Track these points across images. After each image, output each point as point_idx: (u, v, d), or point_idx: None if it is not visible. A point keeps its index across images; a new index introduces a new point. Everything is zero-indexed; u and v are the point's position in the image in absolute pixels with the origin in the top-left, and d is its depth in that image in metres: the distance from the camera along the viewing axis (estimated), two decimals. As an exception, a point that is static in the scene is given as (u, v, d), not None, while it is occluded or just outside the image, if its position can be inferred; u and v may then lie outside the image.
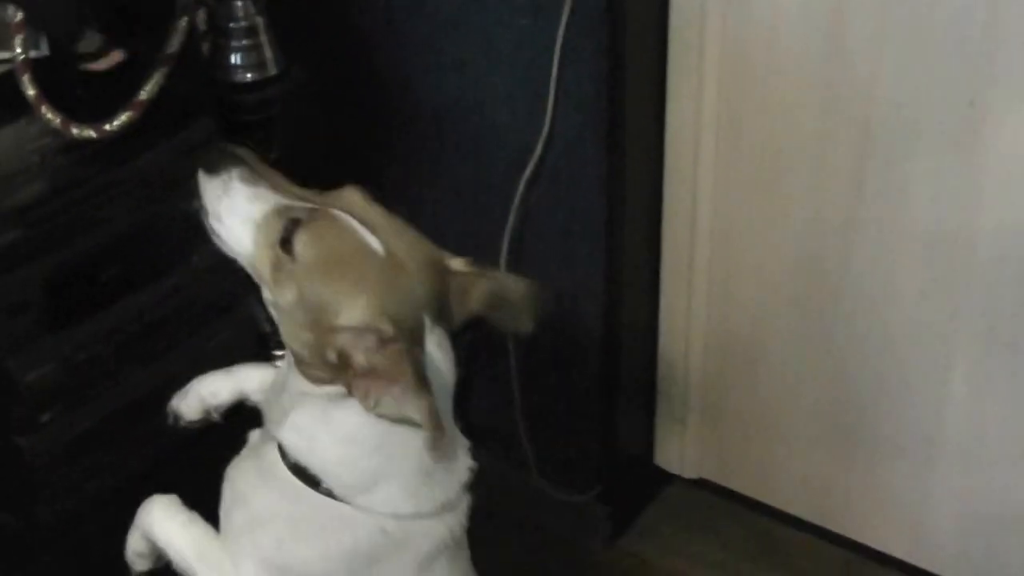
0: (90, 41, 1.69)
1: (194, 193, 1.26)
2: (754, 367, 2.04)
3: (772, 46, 1.81)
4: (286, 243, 1.17)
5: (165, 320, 1.71)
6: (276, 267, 1.18)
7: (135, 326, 1.68)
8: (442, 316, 1.20)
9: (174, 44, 1.65)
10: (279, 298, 1.19)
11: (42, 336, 1.59)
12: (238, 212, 1.22)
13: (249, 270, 1.23)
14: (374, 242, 1.18)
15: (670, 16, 1.86)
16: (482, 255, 1.98)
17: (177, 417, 1.49)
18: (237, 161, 1.23)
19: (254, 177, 1.22)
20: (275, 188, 1.22)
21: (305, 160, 2.00)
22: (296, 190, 1.22)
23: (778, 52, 1.81)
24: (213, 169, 1.22)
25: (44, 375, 1.58)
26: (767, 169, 1.89)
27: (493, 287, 1.25)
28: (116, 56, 1.70)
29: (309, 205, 1.20)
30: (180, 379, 1.51)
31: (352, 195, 1.21)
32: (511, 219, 1.95)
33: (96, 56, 1.70)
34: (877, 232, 1.84)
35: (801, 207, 1.88)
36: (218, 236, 1.23)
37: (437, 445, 1.13)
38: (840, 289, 1.91)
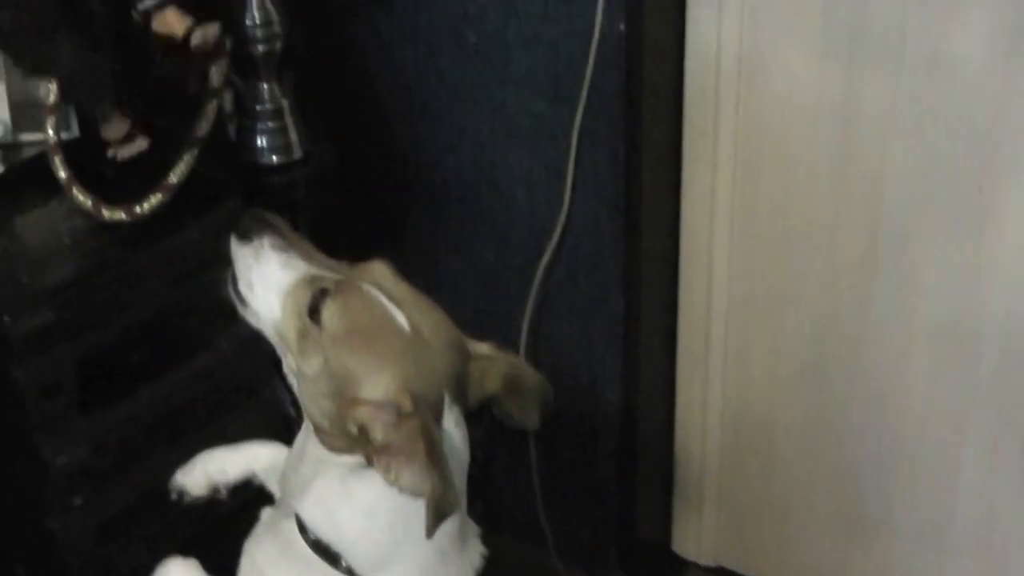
0: (117, 127, 1.71)
1: (225, 262, 1.27)
2: (769, 451, 2.04)
3: (785, 133, 1.84)
4: (314, 312, 1.18)
5: (193, 402, 1.72)
6: (303, 335, 1.19)
7: (164, 408, 1.69)
8: (461, 395, 1.21)
9: (203, 128, 1.68)
10: (304, 366, 1.19)
11: (73, 418, 1.61)
12: (268, 279, 1.23)
13: (274, 338, 1.23)
14: (400, 317, 1.18)
15: (685, 102, 1.89)
16: (501, 333, 2.05)
17: (182, 493, 1.48)
18: (269, 228, 1.24)
19: (285, 245, 1.23)
20: (306, 257, 1.23)
21: (327, 236, 2.03)
22: (326, 260, 1.24)
23: (791, 138, 1.84)
24: (245, 236, 1.23)
25: (75, 458, 1.60)
26: (781, 252, 1.90)
27: (511, 372, 1.26)
28: (141, 144, 1.73)
29: (338, 276, 1.21)
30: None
31: (381, 269, 1.23)
32: (531, 299, 1.97)
33: (121, 143, 1.73)
34: (888, 316, 1.85)
35: (814, 290, 1.89)
36: (246, 304, 1.24)
37: (435, 528, 1.12)
38: (853, 373, 1.91)
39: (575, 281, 1.94)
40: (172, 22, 1.63)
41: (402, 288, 1.22)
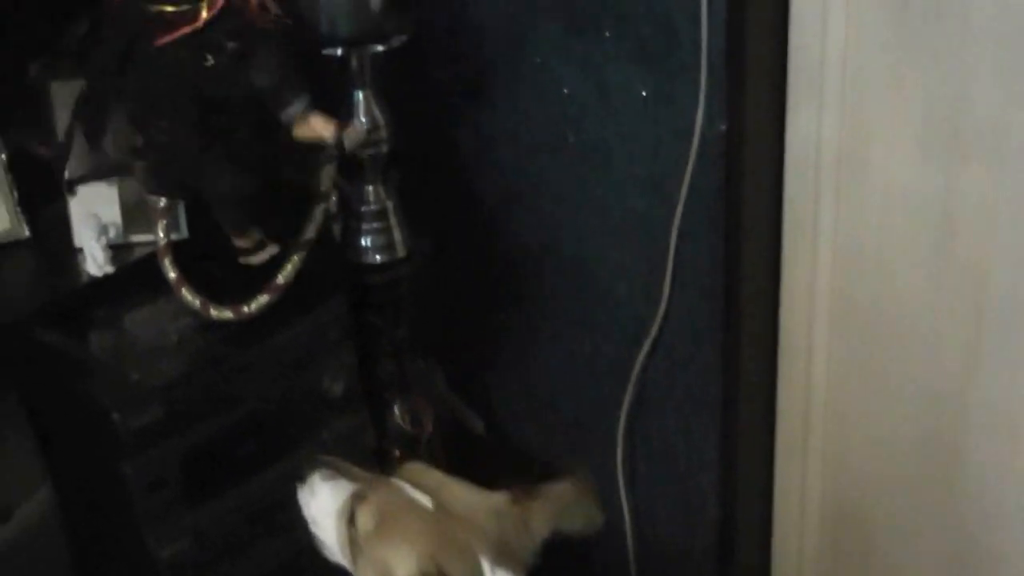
0: (251, 236, 1.75)
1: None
2: (870, 548, 2.01)
3: (884, 225, 1.83)
4: (352, 519, 1.30)
5: (296, 494, 1.74)
6: (349, 543, 1.30)
7: (267, 500, 1.71)
8: (505, 556, 1.28)
9: (311, 230, 1.72)
10: (355, 571, 1.31)
11: (178, 512, 1.64)
12: (324, 508, 1.36)
13: (340, 559, 1.34)
14: (423, 499, 1.31)
15: (784, 197, 1.88)
16: (598, 426, 2.06)
17: None
18: (320, 464, 1.39)
19: (333, 473, 1.35)
20: (352, 477, 1.35)
21: (426, 333, 2.07)
22: (368, 474, 1.37)
23: (891, 230, 1.82)
24: (303, 479, 1.36)
25: (180, 550, 1.63)
26: (881, 342, 1.88)
27: (549, 507, 1.33)
28: (272, 250, 1.76)
29: (370, 479, 1.34)
30: (309, 551, 1.52)
31: (412, 466, 1.37)
32: (628, 392, 1.96)
33: (253, 251, 1.76)
34: (993, 409, 1.81)
35: (915, 380, 1.86)
36: (321, 543, 1.36)
37: None
38: (956, 467, 1.87)
39: (673, 373, 1.94)
40: (318, 127, 1.68)
41: (429, 475, 1.35)
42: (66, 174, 1.84)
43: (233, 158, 1.67)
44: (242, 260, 1.80)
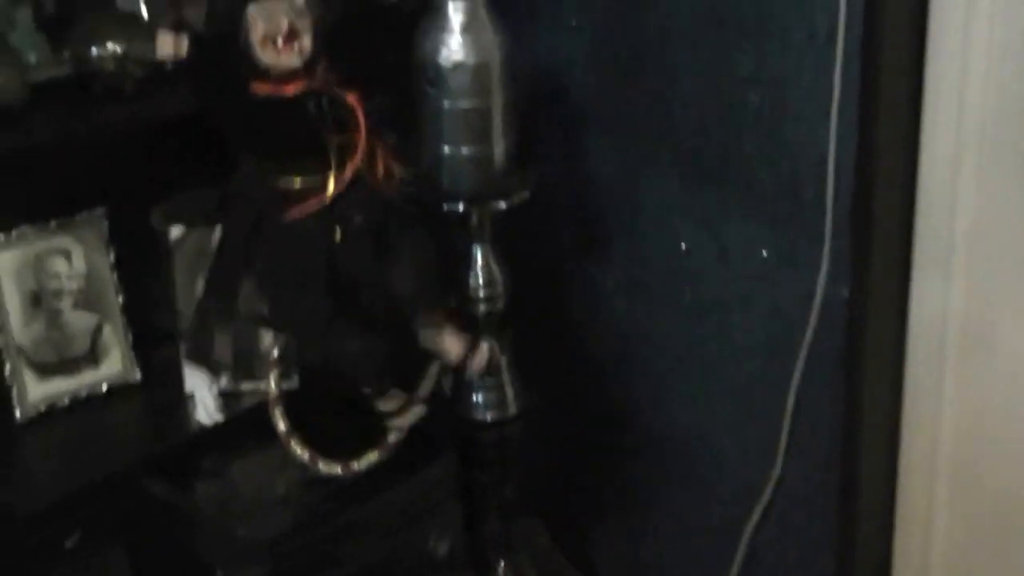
0: (392, 400, 1.75)
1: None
2: None
3: (1009, 397, 1.80)
4: None
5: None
6: None
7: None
8: None
9: (426, 387, 1.74)
10: None
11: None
12: None
13: None
14: None
15: (906, 366, 1.87)
16: None
17: None
18: None
19: None
20: None
21: (534, 489, 2.05)
22: None
23: (1018, 406, 1.80)
24: None
25: None
26: (1004, 526, 1.85)
27: None
28: (418, 411, 1.76)
29: None
30: None
31: None
32: (737, 559, 1.94)
33: (397, 413, 1.76)
34: None
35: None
36: None
37: None
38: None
39: (784, 542, 1.91)
40: (448, 345, 1.73)
41: None
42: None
43: (363, 326, 1.67)
44: (388, 423, 1.80)
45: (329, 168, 1.68)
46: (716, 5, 1.85)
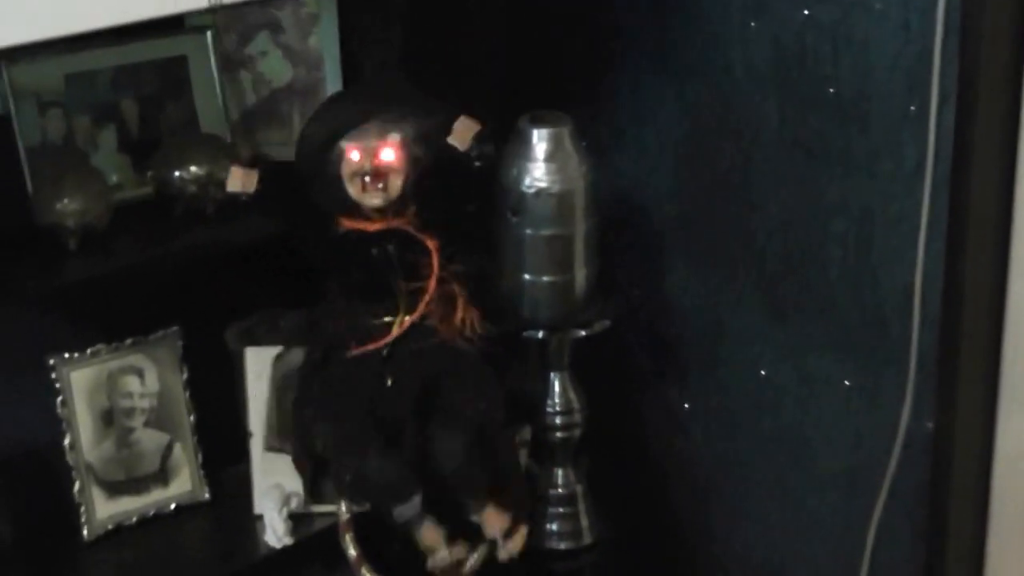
0: (432, 535, 1.75)
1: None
2: None
3: None
4: None
5: None
6: None
7: None
8: None
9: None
10: None
11: None
12: None
13: None
14: None
15: (991, 505, 1.82)
16: None
17: None
18: None
19: None
20: None
21: None
22: None
23: None
24: None
25: None
26: None
27: None
28: (459, 552, 1.74)
29: None
30: None
31: None
32: None
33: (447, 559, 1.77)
34: None
35: None
36: None
37: None
38: None
39: None
40: (492, 520, 1.72)
41: None
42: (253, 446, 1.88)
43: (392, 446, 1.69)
44: (429, 564, 1.79)
45: (396, 312, 1.71)
46: (800, 135, 1.85)
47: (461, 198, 1.83)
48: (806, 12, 1.79)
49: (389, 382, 1.74)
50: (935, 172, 1.74)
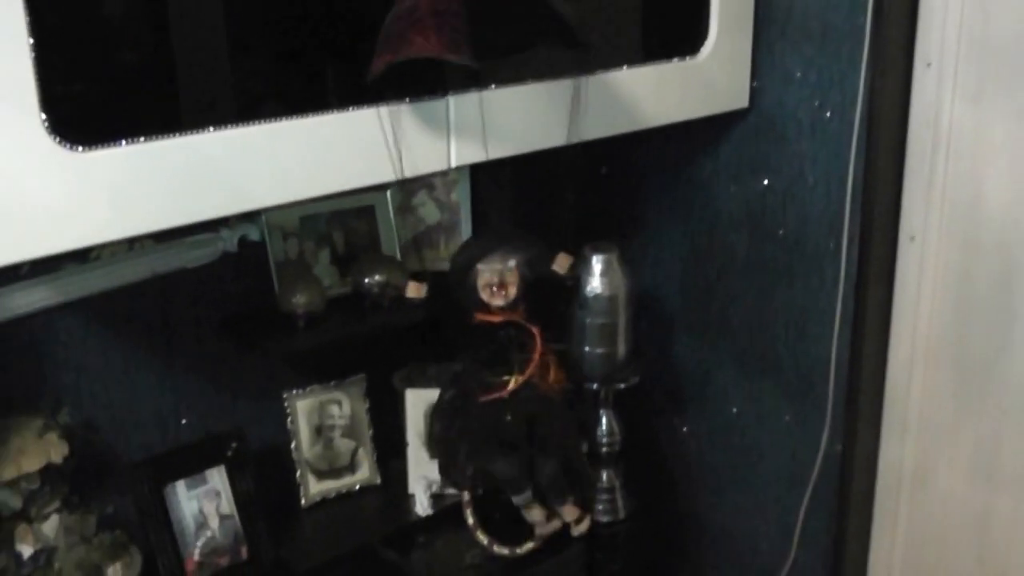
0: (537, 512, 1.96)
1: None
2: None
3: (943, 537, 1.97)
4: None
5: None
6: None
7: None
8: None
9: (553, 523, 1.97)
10: None
11: None
12: None
13: None
14: None
15: (875, 504, 2.02)
16: None
17: None
18: None
19: None
20: None
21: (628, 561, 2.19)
22: None
23: (946, 545, 1.97)
24: None
25: None
26: None
27: None
28: (555, 524, 1.97)
29: None
30: None
31: None
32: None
33: (543, 524, 1.96)
34: None
35: None
36: None
37: None
38: None
39: None
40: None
41: None
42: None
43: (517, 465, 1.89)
44: (537, 532, 1.97)
45: (512, 373, 1.90)
46: (761, 259, 2.06)
47: (557, 302, 2.03)
48: (765, 182, 2.02)
49: (508, 418, 1.93)
50: (844, 286, 1.95)
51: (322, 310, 1.97)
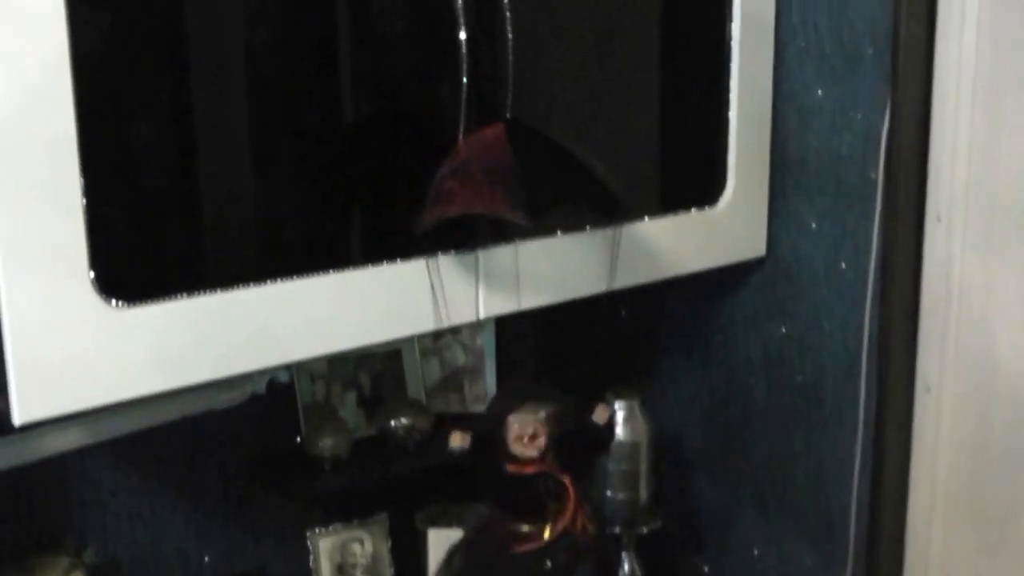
0: None
1: None
2: None
3: None
4: None
5: None
6: None
7: None
8: None
9: None
10: None
11: None
12: None
13: None
14: None
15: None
16: None
17: None
18: None
19: None
20: None
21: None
22: None
23: None
24: None
25: None
26: None
27: None
28: None
29: None
30: None
31: None
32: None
33: None
34: None
35: None
36: None
37: None
38: None
39: None
40: None
41: None
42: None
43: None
44: None
45: (546, 522, 1.93)
46: (779, 405, 2.08)
47: (591, 451, 2.08)
48: (783, 329, 2.07)
49: (548, 565, 1.94)
50: (863, 434, 1.97)
51: (348, 453, 2.03)
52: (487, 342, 2.24)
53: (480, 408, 2.25)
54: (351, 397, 2.12)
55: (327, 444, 2.00)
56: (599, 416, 1.99)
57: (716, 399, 2.21)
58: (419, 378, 2.17)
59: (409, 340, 2.16)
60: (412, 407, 2.10)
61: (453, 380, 2.25)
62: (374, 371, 2.15)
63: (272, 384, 2.02)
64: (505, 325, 2.29)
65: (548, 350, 2.40)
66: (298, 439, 2.06)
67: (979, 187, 1.87)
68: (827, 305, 2.00)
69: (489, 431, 1.96)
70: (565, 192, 1.61)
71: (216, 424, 2.00)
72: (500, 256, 1.68)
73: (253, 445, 2.06)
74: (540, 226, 1.69)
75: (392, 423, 2.07)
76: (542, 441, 1.93)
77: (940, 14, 1.88)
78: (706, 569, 2.28)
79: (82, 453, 1.87)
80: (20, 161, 1.28)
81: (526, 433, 1.92)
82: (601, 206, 1.66)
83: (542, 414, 1.94)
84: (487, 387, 2.25)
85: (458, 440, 1.93)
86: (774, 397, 2.10)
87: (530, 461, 1.94)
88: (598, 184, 1.57)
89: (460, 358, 2.24)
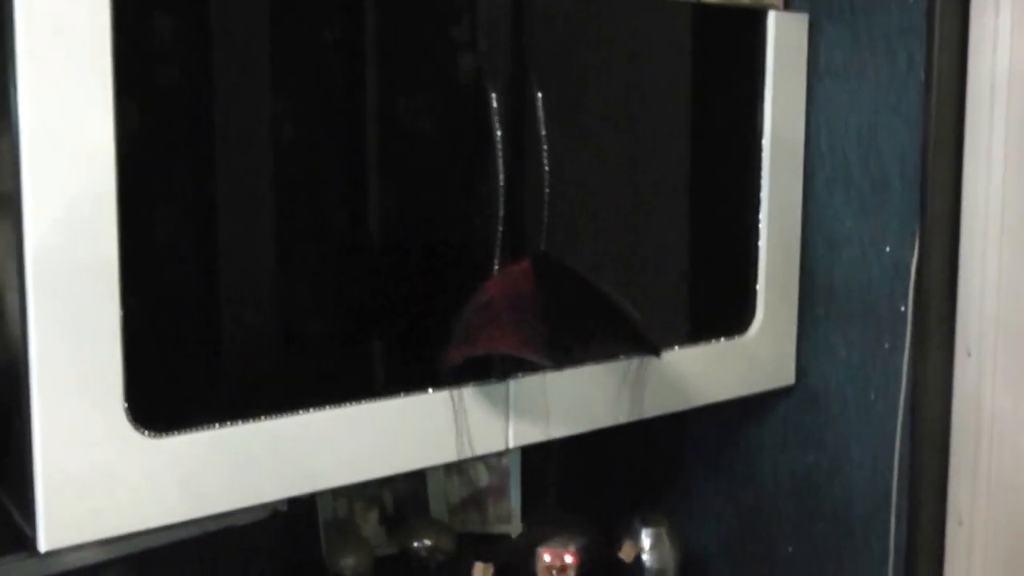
0: None
1: None
2: None
3: None
4: None
5: None
6: None
7: None
8: None
9: None
10: None
11: None
12: None
13: None
14: None
15: None
16: None
17: None
18: None
19: None
20: None
21: None
22: None
23: None
24: None
25: None
26: None
27: None
28: None
29: None
30: None
31: None
32: None
33: None
34: None
35: None
36: None
37: None
38: None
39: None
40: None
41: None
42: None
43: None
44: None
45: None
46: (807, 536, 2.06)
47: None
48: (812, 457, 2.07)
49: None
50: (894, 565, 1.94)
51: (370, 571, 2.00)
52: (512, 462, 2.23)
53: (503, 528, 2.24)
54: (373, 515, 2.10)
55: (348, 563, 1.98)
56: (626, 554, 2.04)
57: (744, 525, 2.20)
58: (442, 497, 2.17)
59: (434, 460, 2.18)
60: (435, 527, 2.09)
61: (476, 499, 2.24)
62: (397, 489, 2.14)
63: (294, 500, 1.99)
64: (530, 452, 2.26)
65: (574, 471, 2.40)
66: (320, 556, 2.03)
67: (1009, 318, 1.89)
68: (857, 434, 2.00)
69: (519, 561, 1.98)
70: (593, 331, 1.63)
71: (236, 540, 1.98)
72: (530, 385, 1.70)
73: (273, 562, 2.04)
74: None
75: (414, 544, 2.06)
76: (571, 573, 1.97)
77: (967, 148, 1.93)
78: None
79: (98, 568, 1.87)
80: (65, 290, 1.31)
81: (556, 565, 1.95)
82: (630, 347, 1.67)
83: (572, 546, 1.98)
84: (511, 507, 2.24)
85: (482, 572, 1.96)
86: (803, 523, 2.10)
87: (559, 584, 1.97)
88: (628, 324, 1.59)
89: (484, 478, 2.23)
